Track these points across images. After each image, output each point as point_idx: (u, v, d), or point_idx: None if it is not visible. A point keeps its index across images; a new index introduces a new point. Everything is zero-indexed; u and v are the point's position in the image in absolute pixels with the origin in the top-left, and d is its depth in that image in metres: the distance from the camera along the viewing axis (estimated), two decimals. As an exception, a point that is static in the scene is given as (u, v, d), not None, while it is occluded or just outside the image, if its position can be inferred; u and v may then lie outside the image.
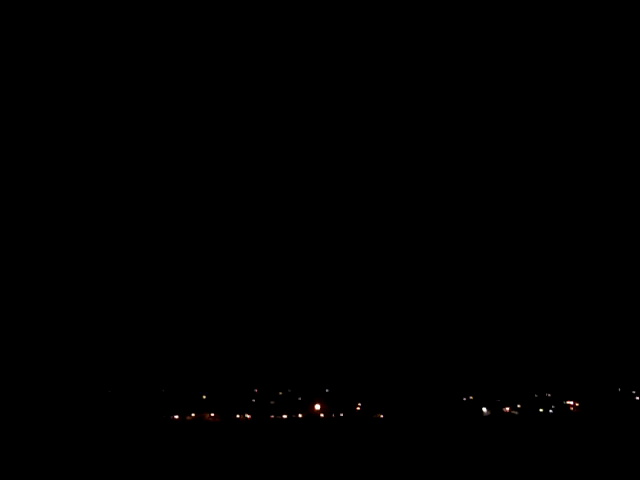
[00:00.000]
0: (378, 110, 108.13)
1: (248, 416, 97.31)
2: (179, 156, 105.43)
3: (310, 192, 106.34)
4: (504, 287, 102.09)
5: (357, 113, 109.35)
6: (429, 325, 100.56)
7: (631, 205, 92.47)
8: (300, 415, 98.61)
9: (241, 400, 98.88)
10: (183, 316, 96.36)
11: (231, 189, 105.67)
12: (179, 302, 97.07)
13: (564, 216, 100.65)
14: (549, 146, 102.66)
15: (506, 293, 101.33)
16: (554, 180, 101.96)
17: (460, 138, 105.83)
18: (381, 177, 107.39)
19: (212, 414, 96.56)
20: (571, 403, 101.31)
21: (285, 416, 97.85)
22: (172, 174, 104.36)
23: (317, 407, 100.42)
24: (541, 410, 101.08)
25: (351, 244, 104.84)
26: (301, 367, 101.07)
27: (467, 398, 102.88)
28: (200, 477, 34.60)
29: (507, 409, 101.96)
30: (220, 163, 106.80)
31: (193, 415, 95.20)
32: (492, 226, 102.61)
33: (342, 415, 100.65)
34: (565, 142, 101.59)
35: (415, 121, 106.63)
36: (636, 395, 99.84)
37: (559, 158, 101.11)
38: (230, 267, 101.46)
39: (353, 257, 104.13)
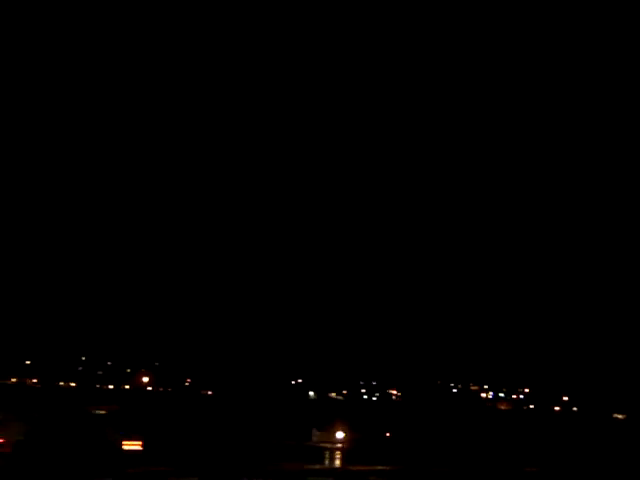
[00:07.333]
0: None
1: (73, 384, 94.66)
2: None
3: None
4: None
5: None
6: (261, 307, 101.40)
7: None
8: (127, 386, 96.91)
9: (67, 367, 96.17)
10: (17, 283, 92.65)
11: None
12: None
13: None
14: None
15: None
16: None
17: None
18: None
19: (34, 380, 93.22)
20: (394, 392, 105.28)
21: (111, 386, 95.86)
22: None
23: (144, 379, 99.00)
24: (365, 397, 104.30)
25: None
26: (130, 338, 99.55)
27: (295, 381, 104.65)
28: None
29: (333, 394, 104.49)
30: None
31: (14, 380, 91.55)
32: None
33: (170, 389, 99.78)
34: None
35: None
36: (454, 387, 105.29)
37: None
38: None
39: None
